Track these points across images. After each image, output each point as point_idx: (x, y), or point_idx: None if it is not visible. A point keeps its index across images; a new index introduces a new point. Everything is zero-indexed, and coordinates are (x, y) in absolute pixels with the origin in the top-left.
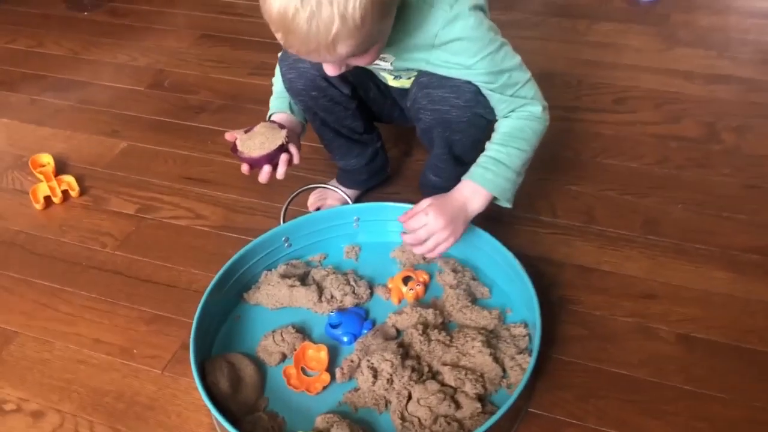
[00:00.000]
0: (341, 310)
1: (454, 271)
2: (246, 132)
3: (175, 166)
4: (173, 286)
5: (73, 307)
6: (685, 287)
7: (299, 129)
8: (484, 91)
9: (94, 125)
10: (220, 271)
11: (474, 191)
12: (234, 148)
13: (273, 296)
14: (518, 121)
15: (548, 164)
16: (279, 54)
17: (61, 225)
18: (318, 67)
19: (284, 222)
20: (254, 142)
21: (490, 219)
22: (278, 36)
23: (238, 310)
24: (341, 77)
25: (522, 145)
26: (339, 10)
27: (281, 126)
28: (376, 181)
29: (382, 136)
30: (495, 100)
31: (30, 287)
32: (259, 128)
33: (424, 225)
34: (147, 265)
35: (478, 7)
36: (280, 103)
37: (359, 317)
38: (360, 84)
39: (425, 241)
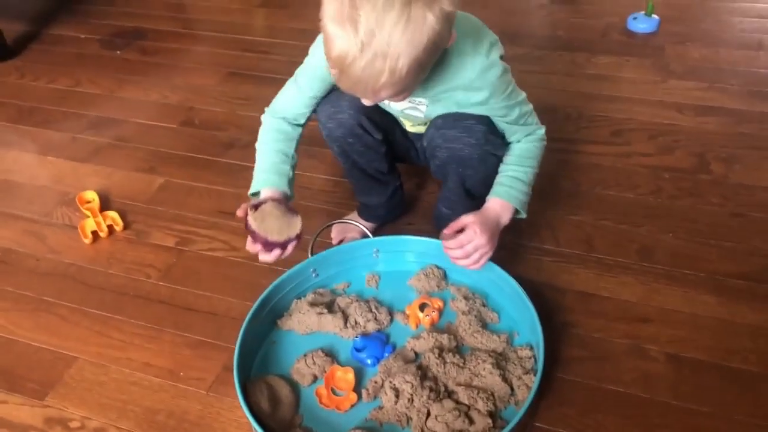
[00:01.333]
0: (365, 335)
1: (466, 298)
2: (255, 208)
3: (210, 200)
4: (213, 313)
5: (123, 334)
6: (675, 311)
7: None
8: (500, 124)
9: (133, 162)
10: (258, 300)
11: (503, 207)
12: (247, 224)
13: (303, 323)
14: (528, 144)
15: (550, 195)
16: (317, 108)
17: (108, 258)
18: (355, 117)
19: (312, 254)
20: (270, 225)
21: (498, 248)
22: (333, 71)
23: (273, 335)
24: (375, 125)
25: (534, 164)
26: (390, 65)
27: (294, 211)
28: (394, 216)
29: (400, 177)
30: (509, 130)
31: (84, 316)
32: (271, 209)
33: (471, 241)
34: (188, 294)
35: (502, 55)
36: (278, 180)
37: (381, 341)
38: (389, 128)
39: (472, 254)
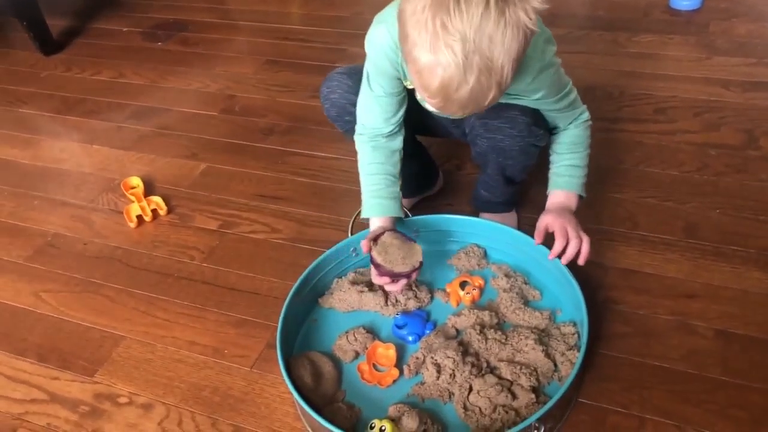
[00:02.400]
0: (405, 313)
1: (507, 276)
2: (374, 242)
3: (251, 185)
4: (255, 293)
5: (168, 314)
6: (723, 287)
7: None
8: (548, 114)
9: (175, 149)
10: (299, 280)
11: (568, 197)
12: (372, 259)
13: (344, 301)
14: (577, 129)
15: (593, 173)
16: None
17: (153, 241)
18: (346, 97)
19: (351, 234)
20: (393, 256)
21: None
22: (434, 102)
23: (314, 313)
24: None
25: (586, 147)
26: (496, 80)
27: (411, 238)
28: (427, 190)
29: (426, 149)
30: (556, 117)
31: (130, 297)
32: (391, 240)
33: (566, 229)
34: (231, 275)
35: (555, 50)
36: (388, 206)
37: (422, 319)
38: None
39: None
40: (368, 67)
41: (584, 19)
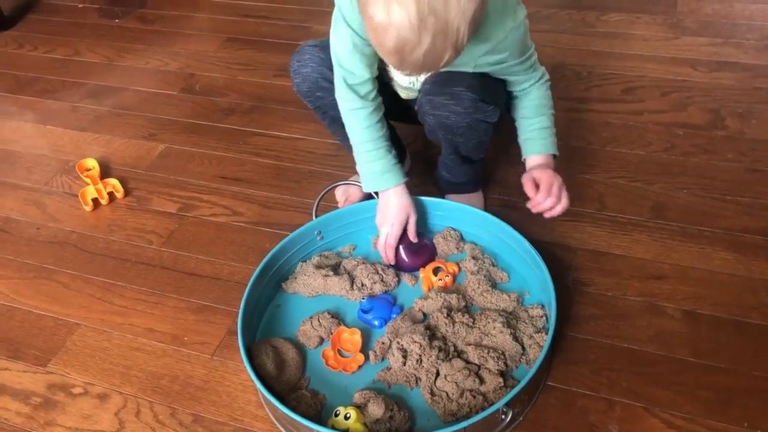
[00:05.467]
0: (372, 297)
1: (474, 258)
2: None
3: (211, 166)
4: (216, 278)
5: (126, 300)
6: (691, 267)
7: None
8: (510, 78)
9: (133, 129)
10: (261, 264)
11: (545, 158)
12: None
13: (309, 285)
14: (540, 91)
15: (560, 154)
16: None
17: (110, 225)
18: (318, 70)
19: (316, 217)
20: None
21: (508, 207)
22: (390, 59)
23: (277, 298)
24: None
25: (550, 107)
26: (452, 42)
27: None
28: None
29: (393, 128)
30: (518, 80)
31: (86, 283)
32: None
33: (551, 184)
34: (191, 259)
35: (525, 14)
36: (396, 175)
37: (388, 303)
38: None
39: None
40: (339, 42)
41: None
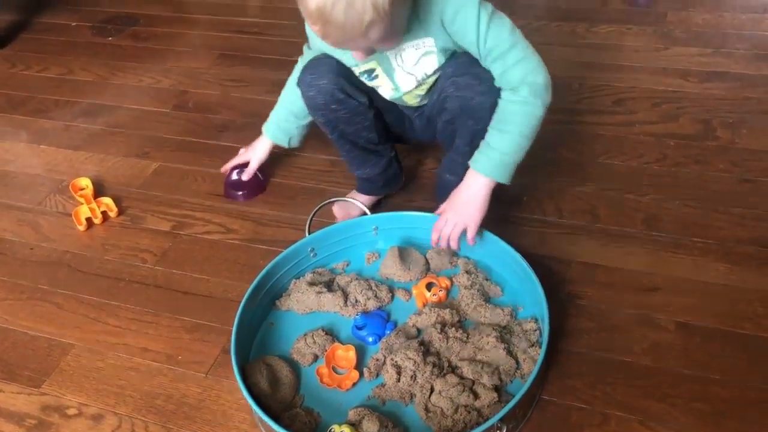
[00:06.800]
0: (365, 313)
1: (468, 272)
2: None
3: (205, 183)
4: (210, 296)
5: (120, 320)
6: (684, 279)
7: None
8: (492, 65)
9: (126, 148)
10: (254, 282)
11: (473, 177)
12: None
13: (302, 302)
14: (511, 105)
15: (553, 166)
16: (297, 78)
17: (103, 244)
18: (335, 81)
19: (309, 233)
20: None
21: (501, 221)
22: (316, 28)
23: (271, 316)
24: (358, 89)
25: (516, 131)
26: (371, 0)
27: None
28: (392, 188)
29: (395, 147)
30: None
31: (80, 303)
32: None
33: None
34: (185, 278)
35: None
36: (278, 133)
37: (382, 319)
38: (374, 93)
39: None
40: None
41: (542, 10)
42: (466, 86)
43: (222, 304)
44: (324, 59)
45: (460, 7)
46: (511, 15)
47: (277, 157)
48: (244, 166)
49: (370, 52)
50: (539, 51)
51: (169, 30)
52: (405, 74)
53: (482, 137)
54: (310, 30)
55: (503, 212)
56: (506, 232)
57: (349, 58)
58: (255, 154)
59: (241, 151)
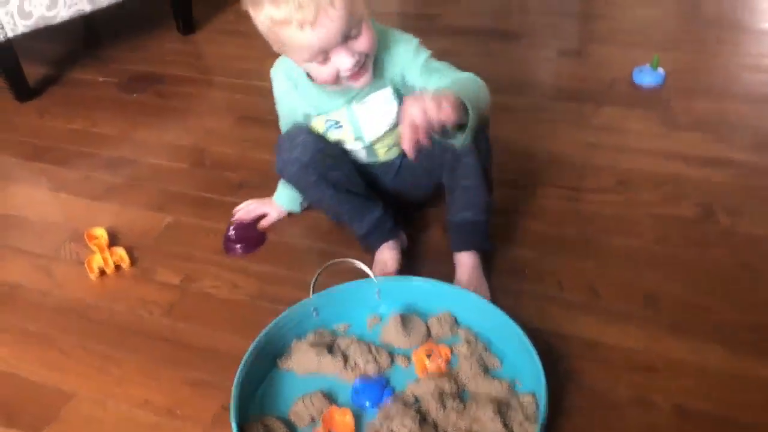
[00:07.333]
0: (365, 378)
1: (468, 342)
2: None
3: (216, 239)
4: (214, 351)
5: (123, 371)
6: (681, 360)
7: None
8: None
9: (143, 200)
10: (257, 340)
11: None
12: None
13: (303, 363)
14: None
15: (555, 241)
16: (276, 155)
17: (113, 294)
18: (313, 137)
19: (313, 293)
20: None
21: (502, 292)
22: (288, 29)
23: (272, 375)
24: (333, 144)
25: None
26: None
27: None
28: (395, 234)
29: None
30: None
31: (86, 351)
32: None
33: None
34: (190, 331)
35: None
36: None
37: (381, 385)
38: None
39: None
40: (282, 117)
41: (550, 89)
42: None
43: (224, 359)
44: (294, 130)
45: (401, 41)
46: (519, 94)
47: (289, 217)
48: (249, 222)
49: (356, 55)
50: (546, 128)
51: (192, 90)
52: (371, 123)
53: (485, 159)
54: (281, 98)
55: (505, 283)
56: (507, 304)
57: (322, 101)
58: (274, 208)
59: (249, 202)
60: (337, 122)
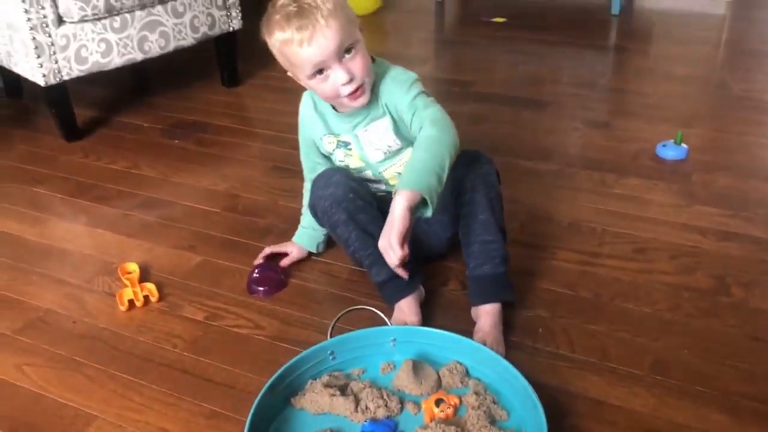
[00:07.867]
0: (374, 421)
1: (477, 393)
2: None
3: (242, 280)
4: (232, 386)
5: (144, 398)
6: (686, 426)
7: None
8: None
9: (175, 240)
10: (273, 377)
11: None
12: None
13: (316, 403)
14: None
15: (570, 303)
16: (312, 190)
17: (140, 326)
18: (345, 177)
19: (331, 337)
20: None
21: (516, 349)
22: (292, 47)
23: (285, 412)
24: (364, 186)
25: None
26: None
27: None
28: (412, 289)
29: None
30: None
31: (109, 378)
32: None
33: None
34: (211, 366)
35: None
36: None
37: (389, 428)
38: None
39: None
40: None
41: (576, 158)
42: (471, 160)
43: (241, 395)
44: (330, 171)
45: (398, 76)
46: (545, 161)
47: (310, 263)
48: (271, 263)
49: (349, 73)
50: (567, 195)
51: (230, 139)
52: (373, 149)
53: (498, 202)
54: (302, 119)
55: (518, 341)
56: (519, 360)
57: (334, 123)
58: (295, 248)
59: (266, 249)
60: (346, 143)
